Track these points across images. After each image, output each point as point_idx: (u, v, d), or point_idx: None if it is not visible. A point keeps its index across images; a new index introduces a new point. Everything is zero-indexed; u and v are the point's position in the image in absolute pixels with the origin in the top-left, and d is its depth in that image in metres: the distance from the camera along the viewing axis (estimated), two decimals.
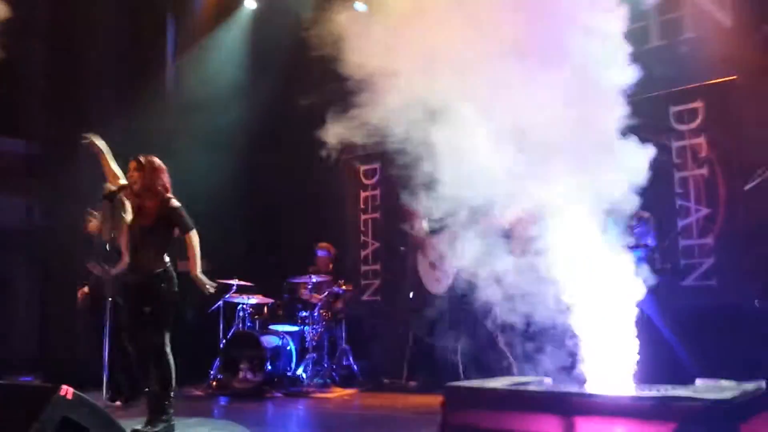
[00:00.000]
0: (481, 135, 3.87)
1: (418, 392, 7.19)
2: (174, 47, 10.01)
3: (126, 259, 5.83)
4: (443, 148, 4.03)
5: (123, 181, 5.38)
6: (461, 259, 4.46)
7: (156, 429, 5.05)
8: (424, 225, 4.72)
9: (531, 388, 3.23)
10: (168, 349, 5.17)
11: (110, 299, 5.94)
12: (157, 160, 5.43)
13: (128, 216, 5.53)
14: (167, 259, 5.34)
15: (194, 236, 5.32)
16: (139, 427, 5.03)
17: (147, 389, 5.26)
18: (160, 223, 5.29)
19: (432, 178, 4.19)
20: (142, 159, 5.39)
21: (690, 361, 5.61)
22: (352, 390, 7.93)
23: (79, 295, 6.77)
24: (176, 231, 5.36)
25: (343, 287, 8.66)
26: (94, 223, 6.54)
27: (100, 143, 5.50)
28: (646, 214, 6.14)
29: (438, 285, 4.74)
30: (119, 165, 6.23)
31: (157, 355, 5.14)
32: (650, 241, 6.13)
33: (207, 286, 5.31)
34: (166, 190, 5.36)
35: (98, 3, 9.42)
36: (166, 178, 5.40)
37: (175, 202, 5.33)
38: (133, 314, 5.23)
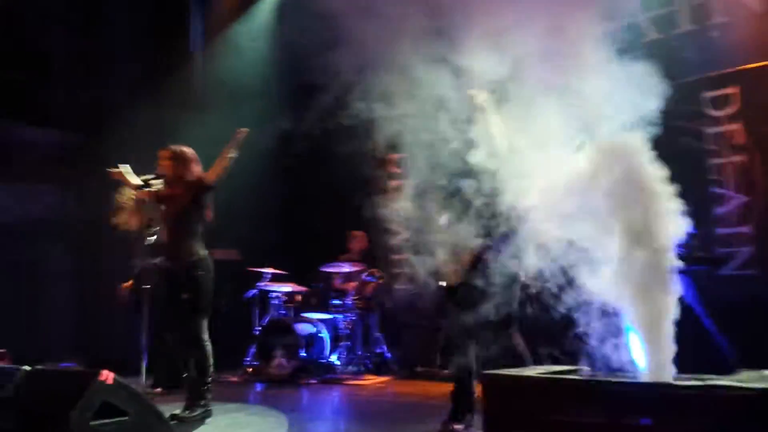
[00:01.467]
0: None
1: (451, 380, 7.17)
2: (200, 36, 10.05)
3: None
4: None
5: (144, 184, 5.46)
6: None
7: (194, 414, 5.13)
8: (443, 219, 4.68)
9: (571, 376, 3.22)
10: (206, 336, 5.24)
11: (149, 287, 6.03)
12: (188, 150, 5.49)
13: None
14: (203, 246, 5.39)
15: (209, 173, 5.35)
16: (177, 411, 5.11)
17: (185, 375, 5.34)
18: (192, 208, 5.33)
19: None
20: (173, 148, 5.45)
21: (731, 352, 5.53)
22: (386, 378, 7.96)
23: (121, 289, 6.81)
24: (209, 215, 5.41)
25: (376, 275, 8.68)
26: (121, 216, 6.54)
27: (121, 168, 5.55)
28: None
29: (454, 277, 4.70)
30: (150, 154, 6.32)
31: (195, 342, 5.21)
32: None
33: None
34: (199, 177, 5.40)
35: None
36: (197, 168, 5.45)
37: (209, 182, 5.35)
38: (170, 302, 5.31)
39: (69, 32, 9.63)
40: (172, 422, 4.89)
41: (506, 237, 4.28)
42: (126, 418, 3.85)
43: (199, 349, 5.22)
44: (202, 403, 5.19)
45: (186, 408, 5.16)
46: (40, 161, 9.60)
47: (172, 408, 5.19)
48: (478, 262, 4.51)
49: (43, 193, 9.66)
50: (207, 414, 5.22)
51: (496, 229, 4.34)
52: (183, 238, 5.32)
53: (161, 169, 5.47)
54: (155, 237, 5.83)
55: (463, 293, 4.59)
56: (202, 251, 5.37)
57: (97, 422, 3.70)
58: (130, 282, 6.79)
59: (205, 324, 5.27)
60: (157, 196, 5.46)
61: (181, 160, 5.41)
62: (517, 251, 4.03)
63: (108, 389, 3.81)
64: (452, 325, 4.71)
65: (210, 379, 5.25)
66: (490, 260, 4.37)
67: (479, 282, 4.40)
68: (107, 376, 3.82)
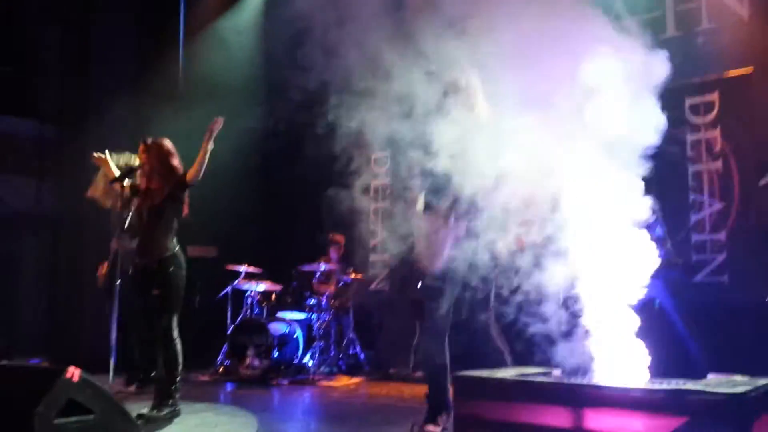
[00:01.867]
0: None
1: (424, 382, 7.15)
2: (185, 29, 9.97)
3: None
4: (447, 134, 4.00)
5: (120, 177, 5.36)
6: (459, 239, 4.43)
7: (162, 413, 5.04)
8: (420, 202, 4.65)
9: (540, 379, 3.20)
10: (176, 333, 5.15)
11: (119, 280, 5.97)
12: (166, 142, 5.40)
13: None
14: (176, 242, 5.31)
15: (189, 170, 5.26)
16: (144, 411, 5.02)
17: (153, 374, 5.26)
18: (167, 204, 5.25)
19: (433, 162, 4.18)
20: (149, 141, 5.37)
21: (702, 357, 5.56)
22: (359, 379, 7.92)
23: (100, 271, 6.73)
24: (185, 210, 5.35)
25: (352, 276, 8.66)
26: (94, 188, 6.46)
27: (104, 155, 5.50)
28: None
29: (436, 262, 4.66)
30: (130, 148, 6.26)
31: (165, 339, 5.12)
32: (659, 231, 6.07)
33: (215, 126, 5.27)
34: (177, 172, 5.34)
35: None
36: (175, 161, 5.37)
37: (189, 179, 5.25)
38: (141, 298, 5.23)
39: (51, 24, 9.53)
40: (139, 421, 4.77)
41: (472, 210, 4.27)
42: (91, 416, 3.78)
43: (169, 346, 5.12)
44: (170, 402, 5.10)
45: (154, 407, 5.07)
46: (18, 153, 9.49)
47: (142, 407, 5.13)
48: (454, 241, 4.48)
49: (20, 185, 9.54)
50: (175, 413, 5.12)
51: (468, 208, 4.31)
52: (157, 233, 5.23)
53: (140, 160, 5.40)
54: (128, 220, 5.76)
55: (443, 278, 4.56)
56: (175, 247, 5.29)
57: (61, 420, 3.64)
58: (105, 265, 6.71)
59: (175, 321, 5.18)
60: (133, 190, 5.39)
61: (159, 152, 5.32)
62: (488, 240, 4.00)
63: (74, 387, 3.75)
64: (430, 315, 4.66)
65: (179, 378, 5.16)
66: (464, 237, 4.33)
67: (455, 264, 4.36)
68: (73, 373, 3.76)
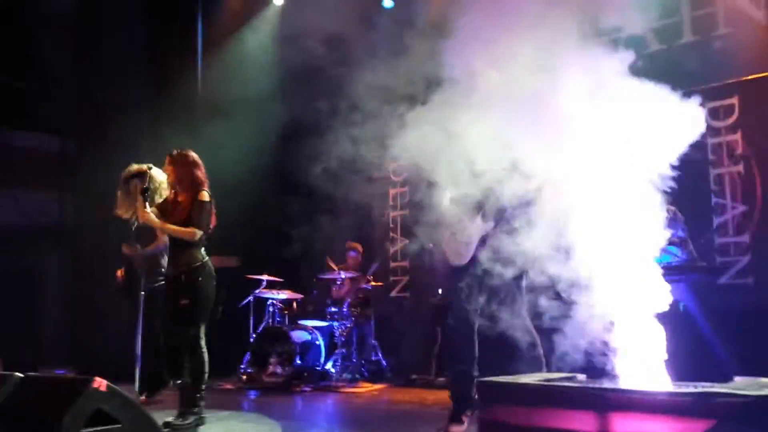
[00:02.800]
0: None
1: (447, 388, 7.14)
2: (203, 43, 10.05)
3: (161, 240, 5.99)
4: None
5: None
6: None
7: (187, 421, 5.09)
8: (446, 197, 4.66)
9: (565, 383, 3.19)
10: (203, 342, 5.21)
11: (142, 288, 6.07)
12: (191, 154, 5.47)
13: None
14: (204, 253, 5.37)
15: (192, 232, 5.20)
16: (170, 419, 5.07)
17: (179, 382, 5.31)
18: (192, 215, 5.29)
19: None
20: (175, 153, 5.44)
21: (728, 359, 5.52)
22: (381, 385, 7.93)
23: (117, 275, 6.81)
24: (212, 221, 5.41)
25: (372, 284, 8.67)
26: (119, 205, 6.54)
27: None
28: (672, 208, 6.05)
29: (459, 257, 4.67)
30: (150, 160, 6.37)
31: (192, 348, 5.18)
32: (680, 233, 6.04)
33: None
34: (201, 184, 5.39)
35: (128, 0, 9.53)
36: (200, 173, 5.42)
37: (205, 195, 5.34)
38: (170, 306, 5.29)
39: (69, 39, 9.65)
40: (165, 430, 4.84)
41: (505, 216, 4.27)
42: (118, 426, 3.81)
43: (195, 355, 5.18)
44: (195, 410, 5.15)
45: (179, 415, 5.12)
46: (38, 168, 9.60)
47: (165, 416, 5.17)
48: (483, 242, 4.49)
49: (41, 199, 9.66)
50: (200, 421, 5.18)
51: (500, 210, 4.31)
52: (185, 244, 5.29)
53: (166, 172, 5.47)
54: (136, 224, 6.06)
55: (469, 273, 4.56)
56: (204, 257, 5.34)
57: (89, 429, 3.66)
58: (122, 270, 6.78)
59: (203, 331, 5.24)
60: (160, 208, 5.47)
61: (184, 164, 5.39)
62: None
63: (101, 396, 3.77)
64: (456, 310, 4.66)
65: (204, 386, 5.21)
66: (494, 240, 4.33)
67: (483, 263, 4.37)
68: (100, 383, 3.79)
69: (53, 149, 9.85)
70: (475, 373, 4.64)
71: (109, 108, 9.36)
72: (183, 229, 5.21)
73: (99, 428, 3.71)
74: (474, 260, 4.52)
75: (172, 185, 5.43)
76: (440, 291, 7.82)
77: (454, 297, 4.72)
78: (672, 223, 6.05)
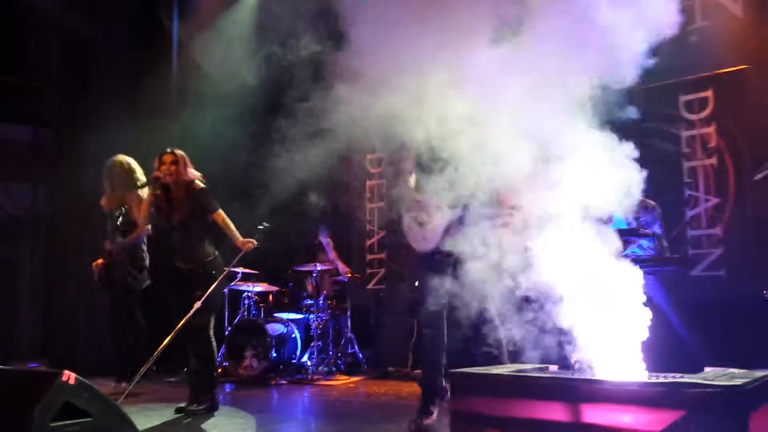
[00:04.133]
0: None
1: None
2: (180, 33, 9.96)
3: (143, 228, 6.08)
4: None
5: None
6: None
7: (202, 407, 5.30)
8: (412, 181, 4.65)
9: (537, 374, 3.20)
10: (211, 332, 5.42)
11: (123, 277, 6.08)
12: (183, 153, 5.60)
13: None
14: (214, 245, 5.58)
15: (222, 213, 5.57)
16: (183, 404, 5.31)
17: (187, 369, 5.66)
18: (196, 211, 5.46)
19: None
20: (177, 152, 5.53)
21: (698, 351, 5.58)
22: (357, 378, 7.92)
23: (93, 266, 6.76)
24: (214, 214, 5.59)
25: (348, 275, 8.65)
26: (104, 200, 6.78)
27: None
28: (652, 203, 6.09)
29: (425, 243, 4.66)
30: (125, 152, 6.38)
31: (201, 337, 5.35)
32: (657, 229, 6.09)
33: (253, 244, 5.59)
34: (194, 185, 5.54)
35: None
36: (191, 168, 5.60)
37: (200, 183, 5.54)
38: (182, 298, 5.38)
39: (47, 30, 9.51)
40: (178, 414, 5.17)
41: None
42: (88, 419, 3.77)
43: (206, 344, 5.38)
44: (209, 396, 5.36)
45: (194, 401, 5.33)
46: (14, 158, 9.48)
47: (140, 409, 5.17)
48: (449, 229, 4.48)
49: (16, 190, 9.54)
50: (214, 407, 5.38)
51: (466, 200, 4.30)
52: (195, 241, 5.48)
53: (166, 171, 5.53)
54: (121, 218, 6.41)
55: (436, 259, 4.55)
56: (215, 251, 5.57)
57: (58, 423, 3.62)
58: (101, 260, 6.74)
59: (212, 321, 5.44)
60: (157, 205, 5.59)
61: (183, 163, 5.54)
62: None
63: (70, 389, 3.72)
64: (425, 296, 4.65)
65: (216, 373, 5.51)
66: (460, 229, 4.33)
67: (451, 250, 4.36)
68: (69, 376, 3.74)
69: (27, 140, 9.72)
70: (444, 362, 4.66)
71: (85, 98, 9.26)
72: (226, 219, 5.58)
73: (69, 422, 3.67)
74: (438, 248, 4.50)
75: (170, 184, 5.48)
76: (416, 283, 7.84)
77: (421, 284, 4.72)
78: (650, 217, 6.10)
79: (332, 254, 8.74)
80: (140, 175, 6.61)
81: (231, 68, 9.60)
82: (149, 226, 6.46)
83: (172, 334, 5.04)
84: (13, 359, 8.17)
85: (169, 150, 5.52)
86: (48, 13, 9.21)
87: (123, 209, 6.59)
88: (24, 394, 3.76)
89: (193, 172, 5.57)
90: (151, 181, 5.55)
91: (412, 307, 7.80)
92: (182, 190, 5.47)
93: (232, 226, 5.60)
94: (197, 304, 5.17)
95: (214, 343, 5.46)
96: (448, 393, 4.49)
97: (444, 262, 4.48)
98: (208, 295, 5.27)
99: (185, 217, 5.45)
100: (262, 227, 5.72)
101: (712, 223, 6.95)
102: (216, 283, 5.36)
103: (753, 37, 6.83)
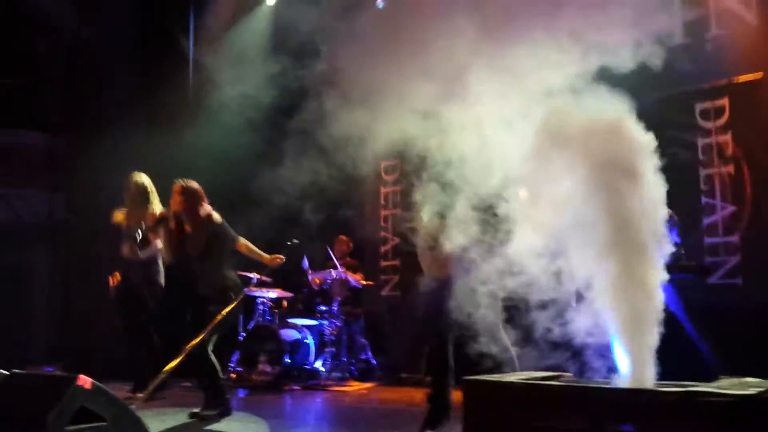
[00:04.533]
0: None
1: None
2: (195, 44, 10.02)
3: (155, 246, 6.15)
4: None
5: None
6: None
7: (215, 412, 5.38)
8: (422, 211, 4.67)
9: (551, 382, 3.19)
10: (210, 348, 5.44)
11: (138, 293, 6.13)
12: (195, 185, 5.71)
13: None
14: (232, 270, 5.75)
15: (243, 241, 5.79)
16: (197, 410, 5.36)
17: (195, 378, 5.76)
18: (212, 242, 5.55)
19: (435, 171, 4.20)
20: (188, 185, 5.66)
21: (714, 360, 5.53)
22: (370, 384, 7.92)
23: (111, 281, 6.80)
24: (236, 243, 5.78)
25: (362, 282, 8.66)
26: (118, 214, 6.80)
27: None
28: (671, 212, 6.06)
29: (435, 270, 4.69)
30: (139, 161, 6.44)
31: (201, 354, 5.32)
32: (674, 238, 6.06)
33: (281, 260, 5.82)
34: (206, 220, 5.61)
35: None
36: (205, 203, 5.69)
37: (217, 217, 5.63)
38: (197, 316, 5.44)
39: (61, 37, 9.60)
40: (192, 420, 5.24)
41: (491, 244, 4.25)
42: (103, 423, 3.79)
43: (204, 361, 5.39)
44: (222, 401, 5.42)
45: (206, 407, 5.38)
46: (30, 165, 9.56)
47: (155, 414, 5.20)
48: (460, 259, 4.48)
49: (31, 196, 9.61)
50: (227, 411, 5.44)
51: (485, 230, 4.30)
52: (213, 269, 5.57)
53: (173, 202, 5.70)
54: (141, 234, 6.40)
55: (445, 285, 4.55)
56: (234, 276, 5.74)
57: (73, 427, 3.64)
58: (117, 275, 6.78)
59: (213, 339, 5.46)
60: (171, 239, 5.80)
61: (191, 195, 5.64)
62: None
63: (85, 394, 3.74)
64: (434, 318, 4.66)
65: (221, 381, 5.56)
66: (475, 259, 4.32)
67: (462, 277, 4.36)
68: (85, 380, 3.77)
69: (43, 147, 9.80)
70: (452, 383, 4.67)
71: (100, 106, 9.33)
72: (247, 245, 5.86)
73: (84, 426, 3.69)
74: (450, 276, 4.51)
75: (180, 215, 5.63)
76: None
77: (430, 309, 4.73)
78: (669, 227, 6.07)
79: (341, 267, 8.73)
80: (153, 195, 6.71)
81: (244, 78, 9.66)
82: (161, 245, 6.55)
83: (184, 353, 5.04)
84: (29, 364, 8.22)
85: (180, 182, 5.67)
86: (59, 19, 9.31)
87: (141, 226, 6.63)
88: (40, 398, 3.78)
89: (206, 207, 5.66)
90: (161, 220, 5.82)
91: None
92: (196, 224, 5.58)
93: (256, 249, 5.80)
94: (213, 323, 5.19)
95: (213, 358, 5.47)
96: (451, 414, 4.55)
97: (453, 288, 4.47)
98: (223, 317, 5.28)
99: (200, 251, 5.54)
100: (290, 243, 5.75)
101: (729, 231, 6.91)
102: (232, 305, 5.39)
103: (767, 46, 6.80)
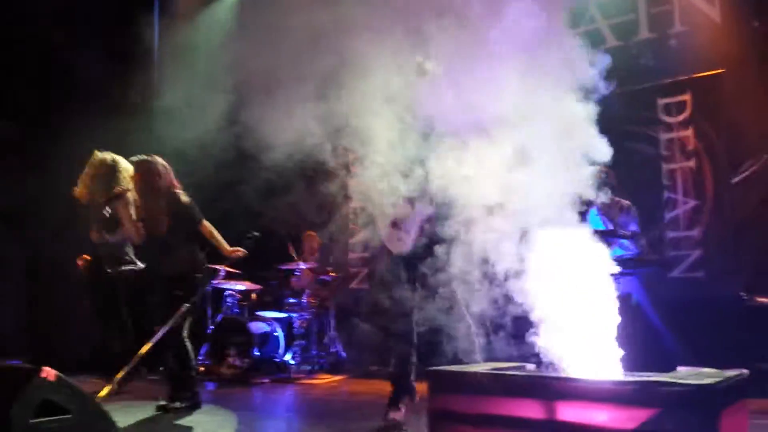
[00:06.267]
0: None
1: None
2: (159, 31, 9.93)
3: (128, 229, 6.05)
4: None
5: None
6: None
7: (184, 404, 5.33)
8: (384, 185, 4.70)
9: (514, 372, 3.24)
10: (185, 333, 5.41)
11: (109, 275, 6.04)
12: (158, 161, 5.57)
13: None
14: (199, 249, 5.58)
15: (207, 224, 5.60)
16: (163, 402, 5.29)
17: (163, 368, 5.74)
18: (177, 222, 5.44)
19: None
20: (147, 161, 5.54)
21: (673, 350, 5.63)
22: (340, 377, 7.95)
23: (79, 263, 6.71)
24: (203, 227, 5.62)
25: (331, 275, 8.67)
26: (79, 189, 6.61)
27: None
28: (626, 203, 6.16)
29: (400, 245, 4.71)
30: (95, 146, 6.34)
31: (176, 339, 5.32)
32: (634, 228, 6.15)
33: (241, 252, 5.69)
34: (172, 187, 5.46)
35: None
36: (169, 177, 5.55)
37: (184, 198, 5.51)
38: (165, 300, 5.36)
39: (18, 23, 9.44)
40: (158, 412, 5.17)
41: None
42: (68, 416, 3.76)
43: (180, 345, 5.36)
44: (189, 394, 5.36)
45: (174, 398, 5.32)
46: None
47: (122, 407, 5.21)
48: (422, 229, 4.52)
49: None
50: (196, 404, 5.40)
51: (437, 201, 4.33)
52: (178, 249, 5.46)
53: (132, 180, 5.66)
54: (109, 212, 6.22)
55: (408, 261, 4.59)
56: (199, 255, 5.57)
57: (38, 420, 3.61)
58: (85, 257, 6.70)
59: (187, 323, 5.41)
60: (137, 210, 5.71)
61: (146, 172, 5.52)
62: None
63: (49, 386, 3.71)
64: (395, 298, 4.69)
65: (194, 371, 5.48)
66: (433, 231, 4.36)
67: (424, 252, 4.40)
68: (48, 372, 3.74)
69: (5, 135, 9.65)
70: (414, 360, 4.71)
71: (58, 92, 9.22)
72: (212, 230, 5.62)
73: (48, 419, 3.66)
74: (412, 248, 4.55)
75: (140, 194, 5.57)
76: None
77: (393, 285, 4.76)
78: (626, 217, 6.17)
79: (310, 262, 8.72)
80: (125, 174, 6.52)
81: (209, 68, 9.59)
82: (133, 229, 6.43)
83: (155, 337, 5.02)
84: None
85: (135, 159, 5.56)
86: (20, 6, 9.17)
87: (109, 206, 6.52)
88: (2, 390, 3.74)
89: (172, 182, 5.54)
90: (116, 197, 5.74)
91: (374, 309, 7.83)
92: (155, 202, 5.46)
93: (219, 236, 5.62)
94: (181, 308, 5.14)
95: (189, 344, 5.42)
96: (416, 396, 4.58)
97: (418, 263, 4.51)
98: (189, 297, 5.25)
99: (166, 230, 5.44)
100: (250, 236, 5.71)
101: (691, 225, 7.03)
102: (201, 288, 5.38)
103: (730, 42, 6.92)
